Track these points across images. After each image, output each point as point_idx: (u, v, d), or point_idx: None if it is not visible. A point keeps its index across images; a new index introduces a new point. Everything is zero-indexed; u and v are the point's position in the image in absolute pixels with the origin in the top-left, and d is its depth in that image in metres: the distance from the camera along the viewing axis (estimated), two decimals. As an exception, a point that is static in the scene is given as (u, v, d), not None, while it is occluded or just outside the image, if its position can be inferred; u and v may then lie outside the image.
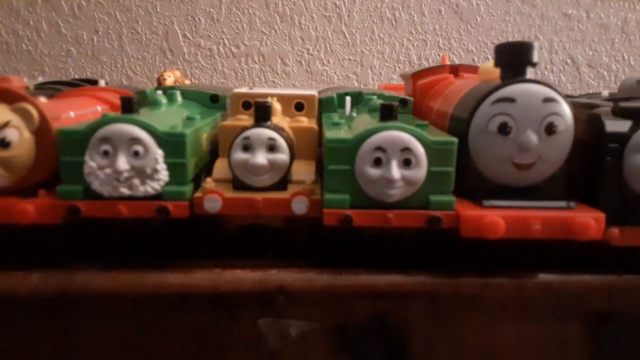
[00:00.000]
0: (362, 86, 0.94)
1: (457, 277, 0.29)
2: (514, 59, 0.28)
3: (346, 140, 0.27)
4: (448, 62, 0.42)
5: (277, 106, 0.36)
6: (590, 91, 0.98)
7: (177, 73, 0.65)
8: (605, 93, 0.43)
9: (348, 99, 0.38)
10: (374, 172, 0.27)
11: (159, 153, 0.27)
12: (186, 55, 0.91)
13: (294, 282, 0.28)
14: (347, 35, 0.91)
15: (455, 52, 0.93)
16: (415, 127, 0.27)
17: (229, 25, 0.90)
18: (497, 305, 0.29)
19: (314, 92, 0.39)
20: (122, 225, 0.30)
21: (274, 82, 0.93)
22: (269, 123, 0.29)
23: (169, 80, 0.64)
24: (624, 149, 0.27)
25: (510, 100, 0.27)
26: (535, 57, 0.29)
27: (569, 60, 0.94)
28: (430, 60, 0.93)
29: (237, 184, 0.29)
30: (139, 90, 0.37)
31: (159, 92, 0.37)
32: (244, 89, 0.39)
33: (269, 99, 0.36)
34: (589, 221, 0.26)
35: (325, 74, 0.93)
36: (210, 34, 0.90)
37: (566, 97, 0.40)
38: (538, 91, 0.27)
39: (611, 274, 0.30)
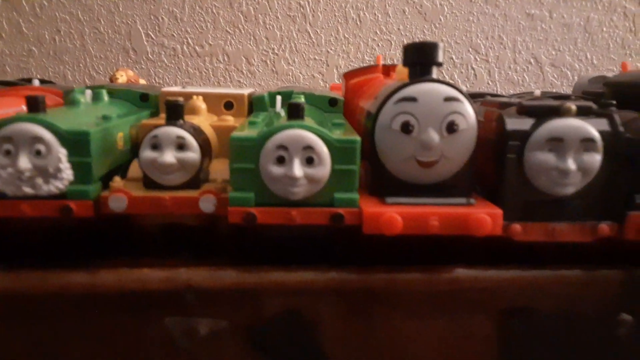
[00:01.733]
0: (327, 86, 0.95)
1: (366, 272, 0.29)
2: (419, 58, 0.29)
3: (250, 139, 0.27)
4: (382, 63, 0.43)
5: (201, 105, 0.36)
6: (554, 90, 0.99)
7: (130, 72, 0.65)
8: (538, 92, 0.44)
9: (279, 97, 0.39)
10: (277, 170, 0.27)
11: (62, 152, 0.27)
12: (149, 55, 0.91)
13: (203, 280, 0.28)
14: (312, 35, 0.92)
15: (420, 52, 0.93)
16: (318, 126, 0.27)
17: (192, 25, 0.90)
18: (406, 300, 0.30)
19: (244, 91, 0.39)
20: (35, 225, 0.30)
21: (239, 81, 0.93)
22: (180, 122, 0.29)
23: (121, 80, 0.63)
24: (525, 147, 0.28)
25: (412, 99, 0.28)
26: (441, 57, 0.29)
27: (532, 60, 0.96)
28: (395, 60, 0.93)
29: (148, 183, 0.29)
30: (68, 90, 0.37)
31: (88, 91, 0.37)
32: (174, 88, 0.39)
33: (195, 98, 0.36)
34: (485, 217, 0.27)
35: (290, 74, 0.93)
36: (174, 33, 0.90)
37: (494, 95, 0.41)
38: (439, 90, 0.28)
39: (518, 269, 0.30)
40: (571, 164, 0.27)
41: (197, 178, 0.29)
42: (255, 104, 0.39)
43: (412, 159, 0.28)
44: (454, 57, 0.94)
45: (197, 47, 0.91)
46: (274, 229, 0.29)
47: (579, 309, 0.30)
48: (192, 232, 0.31)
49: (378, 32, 0.93)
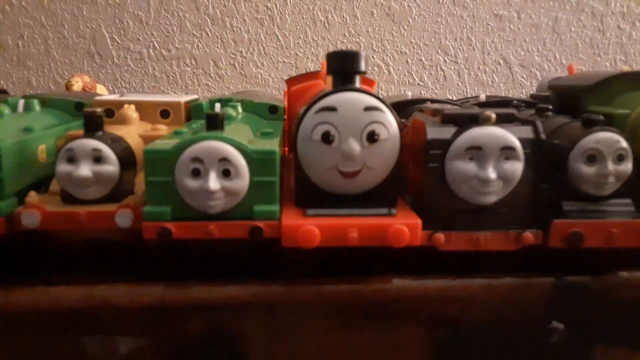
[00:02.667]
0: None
1: (292, 285, 0.29)
2: (341, 67, 0.28)
3: (163, 151, 0.26)
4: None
5: (132, 114, 0.35)
6: (524, 91, 0.99)
7: (87, 78, 0.64)
8: (483, 97, 0.44)
9: (217, 105, 0.38)
10: (192, 183, 0.26)
11: (-30, 167, 0.26)
12: (115, 59, 0.90)
13: (122, 298, 0.28)
14: (280, 37, 0.91)
15: (389, 54, 0.93)
16: (235, 137, 0.27)
17: (158, 28, 0.89)
18: (333, 311, 0.29)
19: (181, 99, 0.38)
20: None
21: (207, 85, 0.92)
22: (98, 133, 0.29)
23: (77, 86, 0.62)
24: (446, 156, 0.28)
25: (332, 109, 0.27)
26: (363, 66, 0.29)
27: (501, 61, 0.96)
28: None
29: (65, 197, 0.28)
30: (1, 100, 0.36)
31: (21, 101, 0.36)
32: (108, 96, 0.38)
33: (126, 107, 0.35)
34: (402, 229, 0.26)
35: (259, 77, 0.92)
36: (140, 37, 0.89)
37: (434, 101, 0.40)
38: (359, 100, 0.27)
39: (447, 278, 0.30)
40: (491, 173, 0.27)
41: (117, 191, 0.29)
42: (193, 112, 0.38)
43: (335, 170, 0.28)
44: (423, 59, 0.94)
45: (163, 51, 0.90)
46: (198, 243, 0.28)
47: (509, 318, 0.30)
48: (113, 248, 0.31)
49: (347, 34, 0.92)
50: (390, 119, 0.28)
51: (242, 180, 0.27)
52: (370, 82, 0.41)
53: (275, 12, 0.90)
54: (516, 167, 0.27)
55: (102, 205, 0.28)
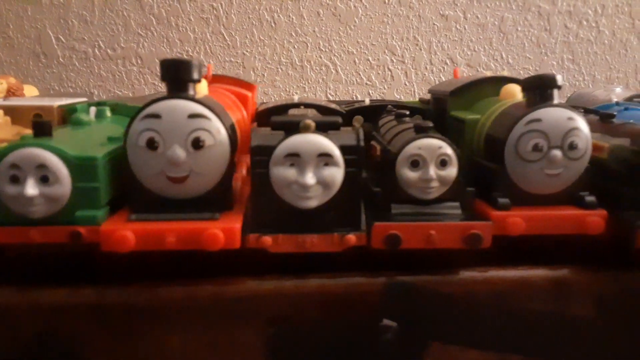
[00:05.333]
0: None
1: (125, 287, 0.30)
2: (173, 75, 0.29)
3: (-16, 158, 0.27)
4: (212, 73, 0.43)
5: (-2, 119, 0.36)
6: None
7: (12, 80, 0.64)
8: (367, 101, 0.44)
9: (93, 109, 0.39)
10: (11, 189, 0.27)
11: None
12: (61, 59, 0.90)
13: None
14: (226, 37, 0.92)
15: (336, 54, 0.94)
16: (57, 145, 0.28)
17: (103, 28, 0.89)
18: (168, 313, 0.30)
19: (54, 103, 0.39)
20: None
21: (154, 84, 0.93)
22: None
23: (1, 88, 0.63)
24: (270, 161, 0.28)
25: (156, 116, 0.28)
26: (195, 75, 0.29)
27: (448, 61, 0.96)
28: (312, 62, 0.94)
29: None
30: None
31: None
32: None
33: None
34: (217, 233, 0.27)
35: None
36: (85, 36, 0.89)
37: (310, 105, 0.41)
38: (183, 107, 0.28)
39: (279, 279, 0.31)
40: (310, 179, 0.28)
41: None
42: (67, 116, 0.39)
43: (163, 175, 0.29)
44: (370, 58, 0.95)
45: (109, 50, 0.91)
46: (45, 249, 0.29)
47: (343, 317, 0.31)
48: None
49: (294, 34, 0.93)
50: (216, 126, 0.29)
51: (62, 187, 0.27)
52: (249, 87, 0.41)
53: (221, 11, 0.91)
54: (334, 173, 0.28)
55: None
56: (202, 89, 0.32)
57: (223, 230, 0.27)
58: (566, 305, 0.31)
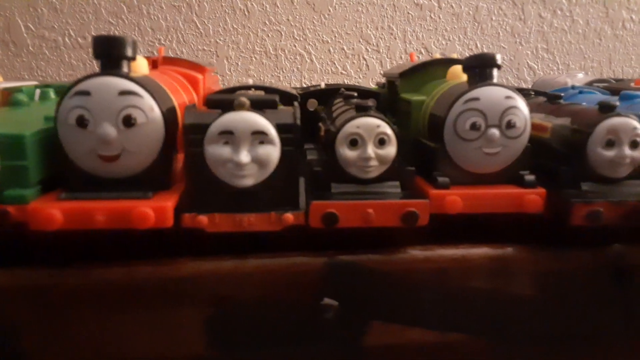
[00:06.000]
0: (219, 76, 0.94)
1: (60, 269, 0.29)
2: (104, 51, 0.29)
3: None
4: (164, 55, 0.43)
5: None
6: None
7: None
8: (323, 85, 0.44)
9: (37, 91, 0.38)
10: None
11: None
12: (30, 48, 0.89)
13: None
14: (199, 25, 0.91)
15: (311, 43, 0.93)
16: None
17: (73, 16, 0.88)
18: (106, 295, 0.30)
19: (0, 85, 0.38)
20: None
21: (126, 74, 0.91)
22: None
23: (-40, 74, 0.61)
24: (204, 139, 0.28)
25: (86, 93, 0.28)
26: (129, 52, 0.29)
27: (422, 50, 0.96)
28: (286, 51, 0.93)
29: None
30: None
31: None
32: None
33: None
34: (147, 211, 0.27)
35: (180, 65, 0.92)
36: (55, 25, 0.88)
37: (261, 88, 0.41)
38: (114, 84, 0.28)
39: (219, 260, 0.30)
40: (244, 157, 0.27)
41: None
42: (14, 99, 0.38)
43: (94, 153, 0.28)
44: (345, 47, 0.94)
45: (79, 39, 0.89)
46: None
47: (284, 296, 0.31)
48: None
49: (267, 22, 0.92)
50: (149, 104, 0.28)
51: (-11, 165, 0.27)
52: (201, 69, 0.41)
53: (194, -1, 0.90)
54: (270, 151, 0.28)
55: None
56: (140, 68, 0.32)
57: (153, 209, 0.27)
58: (506, 283, 0.31)
